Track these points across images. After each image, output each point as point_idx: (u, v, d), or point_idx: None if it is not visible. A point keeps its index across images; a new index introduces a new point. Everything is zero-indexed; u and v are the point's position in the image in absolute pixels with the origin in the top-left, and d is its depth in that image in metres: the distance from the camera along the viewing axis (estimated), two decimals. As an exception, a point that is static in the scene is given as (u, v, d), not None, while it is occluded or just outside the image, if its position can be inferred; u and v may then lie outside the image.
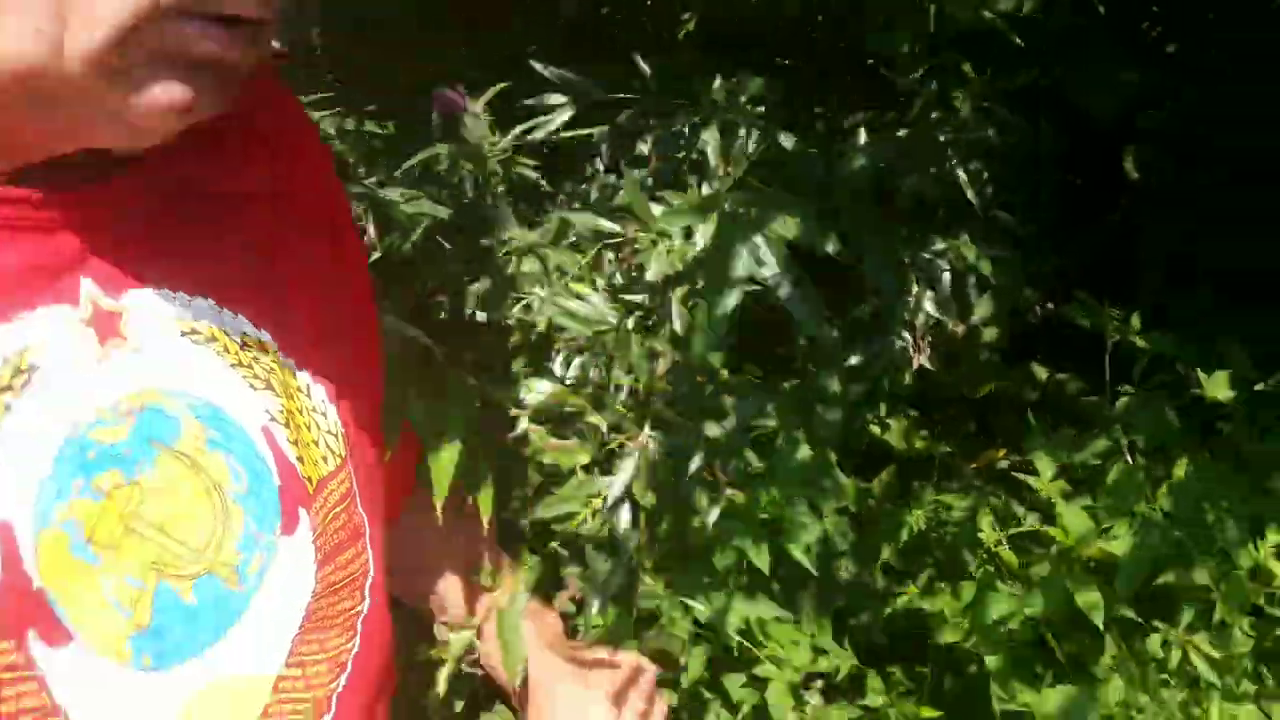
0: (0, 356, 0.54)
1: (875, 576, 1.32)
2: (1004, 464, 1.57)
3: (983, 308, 1.38)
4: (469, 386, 0.95)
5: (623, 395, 1.14)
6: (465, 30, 1.78)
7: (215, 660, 0.60)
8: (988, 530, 1.13)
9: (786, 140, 1.23)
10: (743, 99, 1.24)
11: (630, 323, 1.17)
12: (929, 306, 1.32)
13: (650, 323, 1.19)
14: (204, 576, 0.60)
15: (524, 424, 0.99)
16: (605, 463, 1.16)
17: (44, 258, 0.56)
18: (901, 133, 1.31)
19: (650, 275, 1.20)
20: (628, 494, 1.10)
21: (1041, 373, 1.64)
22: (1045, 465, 1.16)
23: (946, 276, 1.32)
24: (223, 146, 0.67)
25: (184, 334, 0.62)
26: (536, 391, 1.02)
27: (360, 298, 0.80)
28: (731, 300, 0.99)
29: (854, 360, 1.36)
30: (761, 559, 1.14)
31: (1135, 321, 1.32)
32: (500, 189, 1.15)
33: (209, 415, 0.62)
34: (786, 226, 0.98)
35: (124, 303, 0.59)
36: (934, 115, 1.29)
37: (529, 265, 1.20)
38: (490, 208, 1.14)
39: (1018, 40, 1.17)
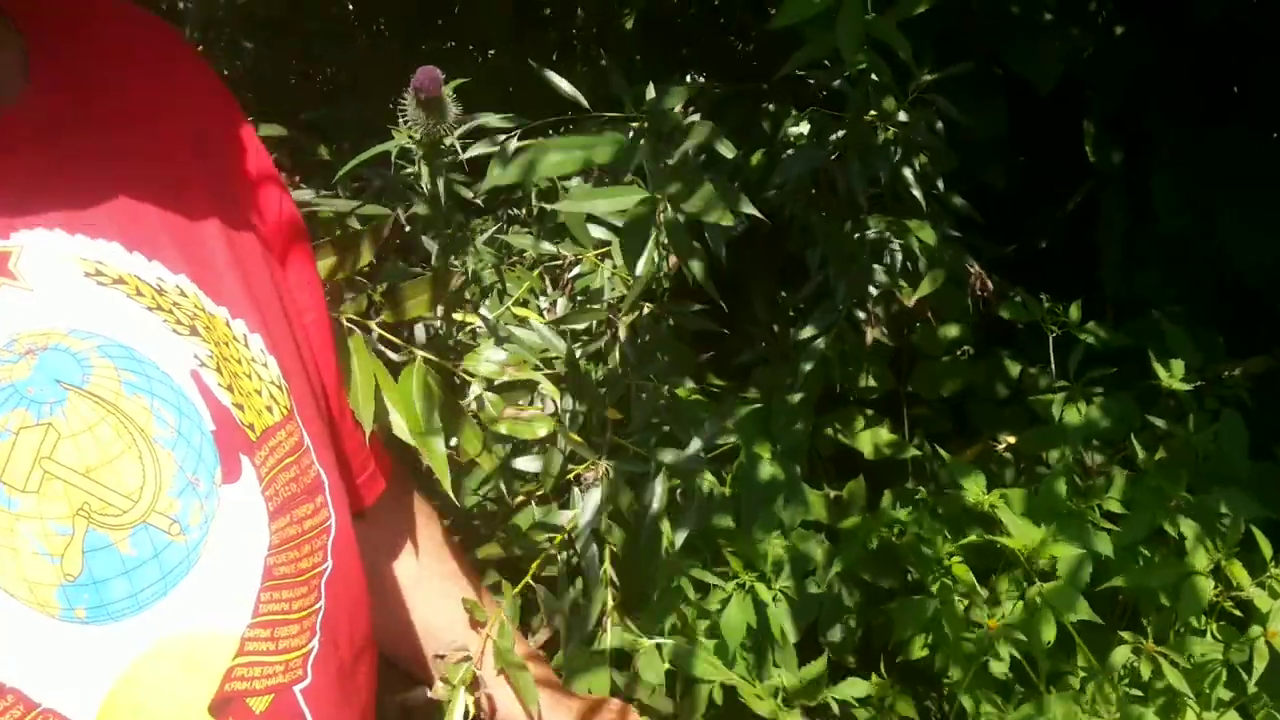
0: None
1: (846, 590, 1.28)
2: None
3: (929, 282, 1.34)
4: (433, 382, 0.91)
5: (578, 424, 1.11)
6: (404, 37, 1.76)
7: (164, 617, 0.57)
8: (938, 542, 1.09)
9: (725, 149, 1.20)
10: (676, 107, 1.20)
11: (578, 349, 1.13)
12: (879, 276, 1.29)
13: (599, 348, 1.15)
14: (140, 526, 0.56)
15: (476, 389, 0.94)
16: (562, 493, 1.13)
17: None
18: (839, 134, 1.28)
19: (595, 305, 1.17)
20: (592, 529, 1.07)
21: (1014, 367, 1.59)
22: (973, 486, 1.11)
23: (897, 254, 1.29)
24: (130, 102, 0.66)
25: (88, 275, 0.59)
26: (488, 360, 0.97)
27: (296, 263, 0.77)
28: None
29: (807, 333, 1.32)
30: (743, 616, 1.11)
31: (1074, 312, 1.27)
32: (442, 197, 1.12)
33: (123, 356, 0.58)
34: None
35: (14, 242, 0.57)
36: (871, 114, 1.25)
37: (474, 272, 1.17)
38: (444, 207, 1.11)
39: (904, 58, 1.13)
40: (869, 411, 1.50)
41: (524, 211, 1.38)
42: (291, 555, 0.64)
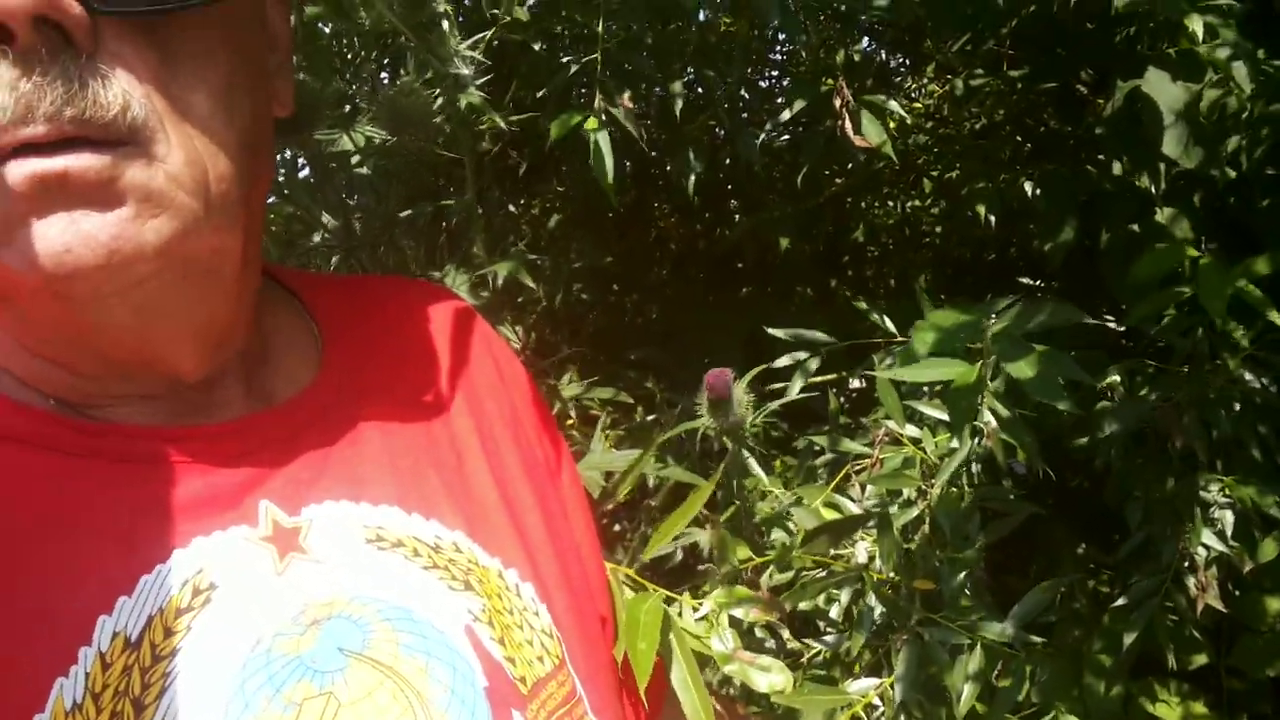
0: (179, 579, 0.53)
1: None
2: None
3: (1269, 549, 1.22)
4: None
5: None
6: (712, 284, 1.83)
7: None
8: None
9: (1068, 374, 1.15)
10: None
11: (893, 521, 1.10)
12: (1211, 541, 1.18)
13: (911, 519, 1.12)
14: None
15: (722, 640, 0.91)
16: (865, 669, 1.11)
17: (218, 488, 0.56)
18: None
19: (907, 490, 1.14)
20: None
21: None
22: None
23: (1229, 515, 1.19)
24: (408, 365, 0.69)
25: (369, 541, 0.60)
26: (734, 604, 0.94)
27: (566, 514, 0.76)
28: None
29: (1130, 597, 1.24)
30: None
31: None
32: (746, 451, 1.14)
33: (400, 618, 0.58)
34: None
35: (304, 517, 0.58)
36: (1205, 368, 1.19)
37: (767, 508, 1.18)
38: (741, 468, 1.12)
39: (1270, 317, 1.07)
40: (1185, 685, 1.36)
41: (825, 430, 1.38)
42: None
